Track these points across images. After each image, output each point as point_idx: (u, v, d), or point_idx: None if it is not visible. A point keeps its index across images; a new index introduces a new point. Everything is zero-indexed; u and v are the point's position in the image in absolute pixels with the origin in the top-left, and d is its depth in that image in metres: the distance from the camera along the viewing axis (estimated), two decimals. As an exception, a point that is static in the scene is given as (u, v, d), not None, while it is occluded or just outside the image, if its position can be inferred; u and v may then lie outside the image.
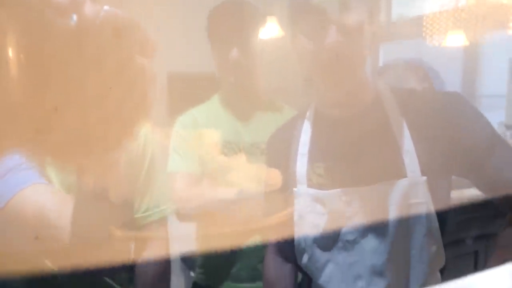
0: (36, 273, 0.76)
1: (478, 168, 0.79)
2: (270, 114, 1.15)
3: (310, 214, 0.85)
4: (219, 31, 1.08)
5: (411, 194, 0.79)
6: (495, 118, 2.53)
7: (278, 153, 0.94)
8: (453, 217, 0.85)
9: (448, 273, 0.87)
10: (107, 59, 0.35)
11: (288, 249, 0.91)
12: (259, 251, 1.04)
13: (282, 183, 0.88)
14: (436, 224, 0.80)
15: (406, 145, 0.79)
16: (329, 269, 0.85)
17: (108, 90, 0.36)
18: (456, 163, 0.80)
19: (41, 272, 0.77)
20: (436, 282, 0.85)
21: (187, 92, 1.53)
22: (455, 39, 2.15)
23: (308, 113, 0.90)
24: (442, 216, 0.81)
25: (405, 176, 0.79)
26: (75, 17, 0.34)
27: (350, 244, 0.82)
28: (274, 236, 0.97)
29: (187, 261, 1.62)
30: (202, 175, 1.05)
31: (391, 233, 0.79)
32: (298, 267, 0.93)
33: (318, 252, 0.85)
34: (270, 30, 1.46)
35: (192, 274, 1.31)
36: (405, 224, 0.79)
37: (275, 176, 0.89)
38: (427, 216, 0.79)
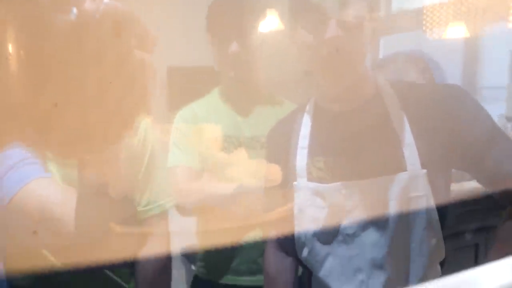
0: (40, 269, 0.76)
1: (478, 161, 0.79)
2: (270, 108, 1.15)
3: (310, 208, 0.86)
4: (218, 25, 1.07)
5: (411, 187, 0.79)
6: (496, 110, 2.53)
7: (278, 147, 0.94)
8: (453, 210, 0.85)
9: (448, 266, 0.88)
10: (107, 54, 0.35)
11: (288, 243, 0.91)
12: (259, 245, 1.04)
13: (282, 178, 0.89)
14: (436, 217, 0.80)
15: (406, 138, 0.79)
16: (329, 263, 0.85)
17: (108, 85, 0.36)
18: (456, 156, 0.80)
19: (44, 267, 0.78)
20: (436, 275, 0.85)
21: (187, 87, 1.53)
22: (456, 31, 2.14)
23: (308, 107, 0.90)
24: (442, 209, 0.81)
25: (405, 170, 0.79)
26: (75, 10, 0.33)
27: (350, 238, 0.82)
28: (274, 230, 0.98)
29: (188, 254, 1.63)
30: (202, 170, 1.05)
31: (391, 226, 0.80)
32: (298, 261, 0.94)
33: (318, 246, 0.86)
34: (270, 24, 1.45)
35: (193, 267, 1.31)
36: (405, 217, 0.79)
37: (275, 172, 0.89)
38: (427, 209, 0.79)
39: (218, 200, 0.99)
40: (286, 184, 0.88)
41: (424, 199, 0.79)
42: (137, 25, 0.37)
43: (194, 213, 1.12)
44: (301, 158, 0.87)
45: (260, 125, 1.10)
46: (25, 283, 0.79)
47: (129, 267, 0.94)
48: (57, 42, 0.33)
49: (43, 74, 0.34)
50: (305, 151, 0.87)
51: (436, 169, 0.80)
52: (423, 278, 0.81)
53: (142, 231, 0.92)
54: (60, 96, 0.35)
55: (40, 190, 0.72)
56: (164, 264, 0.96)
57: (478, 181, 0.83)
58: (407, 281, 0.82)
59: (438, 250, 0.83)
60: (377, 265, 0.81)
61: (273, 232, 0.98)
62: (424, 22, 2.10)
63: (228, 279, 1.15)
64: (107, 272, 0.90)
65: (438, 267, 0.86)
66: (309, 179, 0.86)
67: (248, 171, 0.95)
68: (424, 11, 2.11)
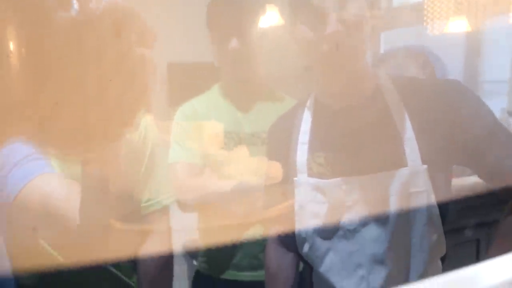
0: (45, 266, 0.77)
1: (479, 157, 0.79)
2: (270, 104, 1.15)
3: (310, 203, 0.86)
4: (218, 21, 1.07)
5: (411, 183, 0.79)
6: (498, 104, 2.52)
7: (279, 143, 0.94)
8: (454, 205, 0.85)
9: (449, 261, 0.88)
10: (108, 51, 0.35)
11: (289, 238, 0.92)
12: (260, 240, 1.04)
13: (282, 177, 0.89)
14: (436, 212, 0.80)
15: (407, 134, 0.79)
16: (329, 258, 0.85)
17: (109, 82, 0.36)
18: (457, 151, 0.79)
19: (49, 264, 0.78)
20: (437, 270, 0.85)
21: (187, 83, 1.53)
22: (457, 25, 2.13)
23: (308, 103, 0.90)
24: (443, 205, 0.81)
25: (406, 165, 0.79)
26: (76, 6, 0.33)
27: (350, 233, 0.83)
28: (275, 226, 0.98)
29: (190, 250, 1.63)
30: (203, 166, 1.05)
31: (391, 222, 0.80)
32: (299, 256, 0.94)
33: (318, 241, 0.86)
34: (270, 19, 1.45)
35: (194, 262, 1.31)
36: (406, 213, 0.79)
37: (276, 169, 0.89)
38: (428, 204, 0.79)
39: (218, 197, 0.99)
40: (287, 180, 0.88)
41: (424, 194, 0.79)
42: (138, 21, 0.37)
43: (195, 209, 1.12)
44: (302, 154, 0.87)
45: (260, 121, 1.10)
46: (30, 280, 0.79)
47: (132, 262, 0.94)
48: (58, 39, 0.33)
49: (44, 72, 0.34)
50: (306, 147, 0.87)
51: (437, 165, 0.79)
52: (424, 274, 0.82)
53: (144, 227, 0.92)
54: (61, 93, 0.35)
55: (44, 186, 0.72)
56: (166, 259, 0.97)
57: (479, 176, 0.82)
58: (407, 277, 0.82)
59: (439, 246, 0.84)
60: (378, 261, 0.81)
61: (274, 229, 0.98)
62: (425, 17, 2.09)
63: (229, 274, 1.16)
64: (110, 267, 0.90)
65: (439, 262, 0.86)
66: (310, 175, 0.86)
67: (248, 168, 0.95)
68: (425, 5, 2.10)
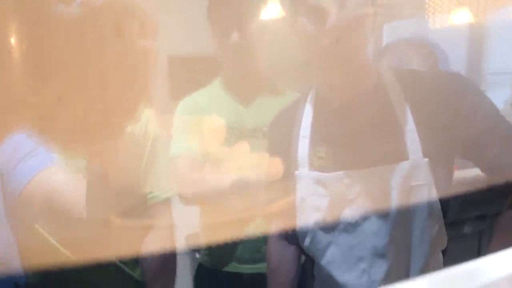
0: (51, 260, 0.77)
1: (479, 150, 0.79)
2: (272, 98, 1.15)
3: (311, 197, 0.86)
4: (219, 15, 1.07)
5: (412, 176, 0.79)
6: (501, 96, 2.50)
7: (280, 137, 0.94)
8: (456, 198, 0.85)
9: (450, 254, 0.88)
10: (109, 44, 0.35)
11: (290, 232, 0.92)
12: (262, 234, 1.05)
13: (283, 171, 0.89)
14: (438, 205, 0.80)
15: (408, 127, 0.79)
16: (331, 251, 0.86)
17: (111, 76, 0.36)
18: (458, 144, 0.79)
19: (54, 257, 0.78)
20: (438, 263, 0.85)
21: (188, 77, 1.53)
22: (460, 16, 2.12)
23: (309, 96, 0.90)
24: (444, 198, 0.81)
25: (407, 158, 0.79)
26: (78, 0, 0.33)
27: (351, 226, 0.83)
28: (276, 220, 0.98)
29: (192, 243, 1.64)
30: (204, 161, 1.05)
31: (392, 215, 0.80)
32: (301, 250, 0.94)
33: (320, 234, 0.86)
34: (271, 12, 1.44)
35: (197, 255, 1.32)
36: (407, 206, 0.80)
37: (277, 166, 0.89)
38: (429, 198, 0.79)
39: (218, 193, 1.00)
40: (288, 174, 0.89)
41: (426, 188, 0.79)
42: (139, 13, 0.36)
43: (196, 203, 1.12)
44: (303, 148, 0.87)
45: (262, 114, 1.10)
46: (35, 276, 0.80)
47: (135, 255, 0.95)
48: (60, 34, 0.33)
49: (46, 67, 0.34)
50: (307, 141, 0.87)
51: (438, 158, 0.79)
52: (425, 267, 0.82)
53: (146, 222, 0.93)
54: (63, 88, 0.35)
55: (50, 180, 0.72)
56: (169, 252, 0.97)
57: (481, 169, 0.82)
58: (408, 270, 0.82)
59: (440, 239, 0.84)
60: (379, 254, 0.81)
61: (276, 222, 0.98)
62: (428, 8, 2.07)
63: (231, 267, 1.17)
64: (114, 260, 0.91)
65: (440, 255, 0.87)
66: (311, 169, 0.86)
67: (249, 165, 0.95)
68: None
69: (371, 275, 0.82)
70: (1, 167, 0.75)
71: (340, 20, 0.72)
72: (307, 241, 0.89)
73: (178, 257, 0.99)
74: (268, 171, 0.93)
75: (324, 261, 0.87)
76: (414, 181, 0.79)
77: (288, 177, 0.89)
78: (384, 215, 0.80)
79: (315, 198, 0.85)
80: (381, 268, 0.82)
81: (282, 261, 0.97)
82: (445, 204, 0.81)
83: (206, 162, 1.04)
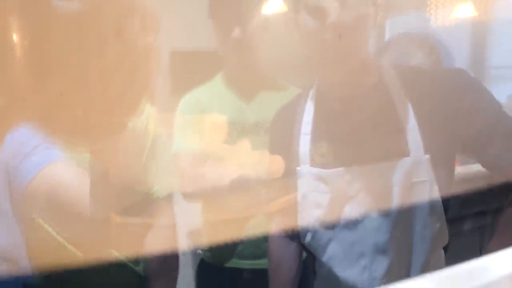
0: (57, 255, 0.78)
1: (481, 148, 0.79)
2: (274, 94, 1.14)
3: (313, 193, 0.86)
4: (220, 10, 1.06)
5: (414, 172, 0.79)
6: (505, 90, 2.48)
7: (281, 133, 0.94)
8: (457, 194, 0.85)
9: (452, 251, 0.88)
10: (111, 40, 0.35)
11: (292, 228, 0.92)
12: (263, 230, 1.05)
13: (285, 165, 0.89)
14: (439, 202, 0.80)
15: (410, 123, 0.79)
16: (332, 248, 0.86)
17: (113, 72, 0.36)
18: (460, 141, 0.79)
19: (59, 253, 0.79)
20: (440, 260, 0.86)
21: (189, 72, 1.52)
22: (464, 10, 2.11)
23: (310, 92, 0.90)
24: (446, 194, 0.81)
25: (408, 155, 0.78)
26: None
27: (352, 223, 0.83)
28: (278, 217, 0.98)
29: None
30: (205, 158, 1.05)
31: (393, 211, 0.80)
32: (302, 246, 0.94)
33: (321, 231, 0.86)
34: (273, 7, 1.43)
35: (199, 251, 1.33)
36: (408, 202, 0.79)
37: (278, 164, 0.89)
38: (430, 194, 0.79)
39: (218, 191, 1.00)
40: (289, 170, 0.88)
41: (427, 184, 0.79)
42: (140, 8, 0.36)
43: (198, 199, 1.12)
44: (304, 144, 0.87)
45: (263, 110, 1.10)
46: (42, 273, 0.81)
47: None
48: (61, 30, 0.33)
49: (48, 63, 0.34)
50: (308, 137, 0.87)
51: (440, 154, 0.79)
52: (426, 263, 0.82)
53: (147, 218, 0.93)
54: (65, 84, 0.35)
55: (55, 175, 0.72)
56: (171, 248, 0.97)
57: (483, 165, 0.82)
58: (409, 266, 0.82)
59: (442, 235, 0.84)
60: (380, 250, 0.81)
61: (277, 219, 0.98)
62: (431, 2, 2.06)
63: (233, 262, 1.17)
64: (117, 256, 0.91)
65: (442, 251, 0.87)
66: (312, 165, 0.86)
67: (250, 163, 0.95)
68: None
69: (372, 272, 0.82)
70: (8, 163, 0.75)
71: (341, 16, 0.72)
72: (308, 238, 0.89)
73: (180, 253, 1.00)
74: (269, 169, 0.93)
75: (325, 258, 0.87)
76: (415, 178, 0.79)
77: (290, 173, 0.88)
78: (385, 212, 0.80)
79: (316, 195, 0.85)
80: (382, 264, 0.82)
81: (283, 258, 0.97)
82: (446, 200, 0.81)
83: (207, 160, 1.04)
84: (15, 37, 0.33)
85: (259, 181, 0.93)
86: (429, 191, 0.79)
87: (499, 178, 0.80)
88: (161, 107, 0.93)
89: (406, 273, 0.82)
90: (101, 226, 0.71)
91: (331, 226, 0.85)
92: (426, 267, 0.82)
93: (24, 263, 0.79)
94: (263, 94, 1.14)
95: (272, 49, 1.14)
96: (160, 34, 0.38)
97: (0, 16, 0.32)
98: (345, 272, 0.85)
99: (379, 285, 0.82)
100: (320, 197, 0.85)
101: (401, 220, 0.80)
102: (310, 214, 0.87)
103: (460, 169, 0.88)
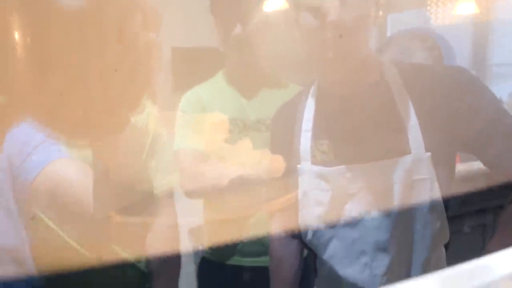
0: (60, 251, 0.78)
1: (481, 146, 0.79)
2: (275, 91, 1.14)
3: (314, 191, 0.86)
4: (221, 6, 1.06)
5: (415, 170, 0.79)
6: (506, 88, 2.47)
7: (283, 130, 0.94)
8: (459, 192, 0.85)
9: (453, 249, 0.88)
10: (113, 37, 0.35)
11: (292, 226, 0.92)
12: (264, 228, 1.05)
13: (286, 162, 0.89)
14: (440, 200, 0.80)
15: (411, 121, 0.79)
16: (333, 245, 0.86)
17: (115, 69, 0.36)
18: (460, 139, 0.79)
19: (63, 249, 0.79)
20: (440, 258, 0.86)
21: (191, 68, 1.52)
22: (465, 7, 2.10)
23: (311, 90, 0.89)
24: (447, 192, 0.81)
25: (409, 153, 0.78)
26: None
27: (353, 221, 0.83)
28: (278, 215, 0.98)
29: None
30: (206, 157, 1.05)
31: (394, 209, 0.80)
32: (303, 244, 0.94)
33: (322, 229, 0.86)
34: (274, 4, 1.43)
35: (200, 248, 1.33)
36: (409, 200, 0.79)
37: (279, 163, 0.89)
38: (431, 192, 0.79)
39: (217, 190, 1.00)
40: (290, 168, 0.88)
41: (428, 182, 0.79)
42: (142, 5, 0.36)
43: (199, 197, 1.12)
44: (305, 141, 0.87)
45: (265, 107, 1.10)
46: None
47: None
48: (62, 27, 0.33)
49: (50, 60, 0.34)
50: (309, 134, 0.87)
51: (441, 152, 0.79)
52: (427, 261, 0.82)
53: (149, 216, 0.93)
54: (67, 81, 0.35)
55: (60, 171, 0.72)
56: (173, 246, 0.98)
57: (483, 163, 0.82)
58: (410, 264, 0.82)
59: (442, 233, 0.84)
60: (381, 248, 0.81)
61: (278, 217, 0.98)
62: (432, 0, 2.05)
63: (234, 260, 1.17)
64: (120, 252, 0.91)
65: (443, 249, 0.87)
66: (313, 162, 0.86)
67: (251, 162, 0.95)
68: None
69: (373, 269, 0.83)
70: (12, 160, 0.75)
71: (342, 15, 0.72)
72: (309, 235, 0.89)
73: (181, 251, 1.00)
74: (270, 167, 0.93)
75: (326, 255, 0.87)
76: (416, 175, 0.79)
77: (290, 171, 0.88)
78: (386, 209, 0.80)
79: (317, 192, 0.85)
80: (383, 262, 0.82)
81: (284, 256, 0.97)
82: (447, 198, 0.81)
83: (208, 158, 1.04)
84: (16, 36, 0.33)
85: (259, 180, 0.93)
86: (430, 189, 0.79)
87: (501, 175, 0.80)
88: (162, 104, 0.93)
89: (407, 271, 0.82)
90: (102, 224, 0.71)
91: (332, 224, 0.85)
92: (427, 265, 0.82)
93: (30, 263, 0.79)
94: (264, 91, 1.14)
95: (273, 46, 1.14)
96: (162, 31, 0.38)
97: (1, 14, 0.32)
98: (346, 270, 0.85)
99: (380, 282, 0.82)
100: (321, 195, 0.85)
101: (402, 218, 0.80)
102: (311, 212, 0.87)
103: (461, 167, 0.88)
